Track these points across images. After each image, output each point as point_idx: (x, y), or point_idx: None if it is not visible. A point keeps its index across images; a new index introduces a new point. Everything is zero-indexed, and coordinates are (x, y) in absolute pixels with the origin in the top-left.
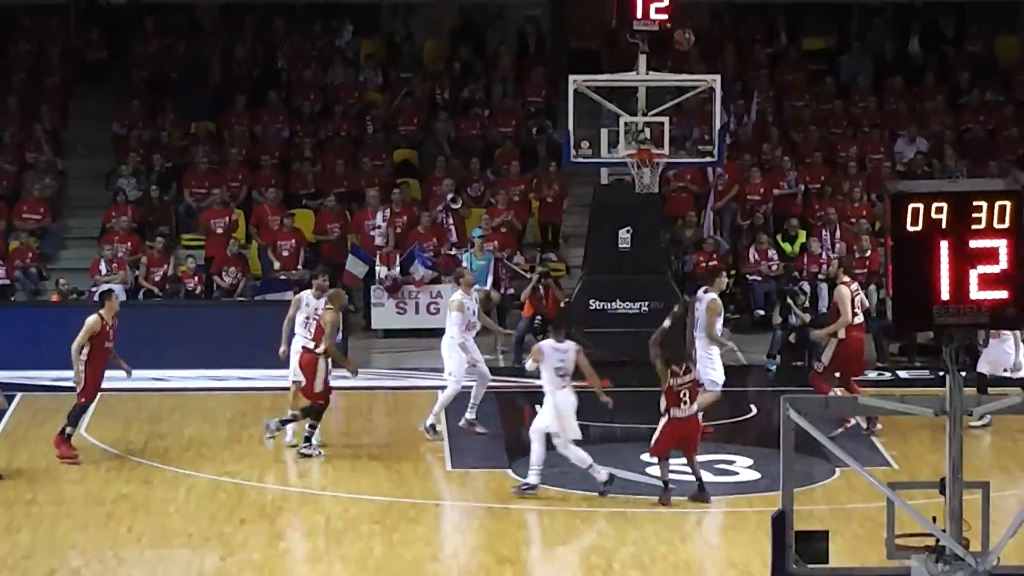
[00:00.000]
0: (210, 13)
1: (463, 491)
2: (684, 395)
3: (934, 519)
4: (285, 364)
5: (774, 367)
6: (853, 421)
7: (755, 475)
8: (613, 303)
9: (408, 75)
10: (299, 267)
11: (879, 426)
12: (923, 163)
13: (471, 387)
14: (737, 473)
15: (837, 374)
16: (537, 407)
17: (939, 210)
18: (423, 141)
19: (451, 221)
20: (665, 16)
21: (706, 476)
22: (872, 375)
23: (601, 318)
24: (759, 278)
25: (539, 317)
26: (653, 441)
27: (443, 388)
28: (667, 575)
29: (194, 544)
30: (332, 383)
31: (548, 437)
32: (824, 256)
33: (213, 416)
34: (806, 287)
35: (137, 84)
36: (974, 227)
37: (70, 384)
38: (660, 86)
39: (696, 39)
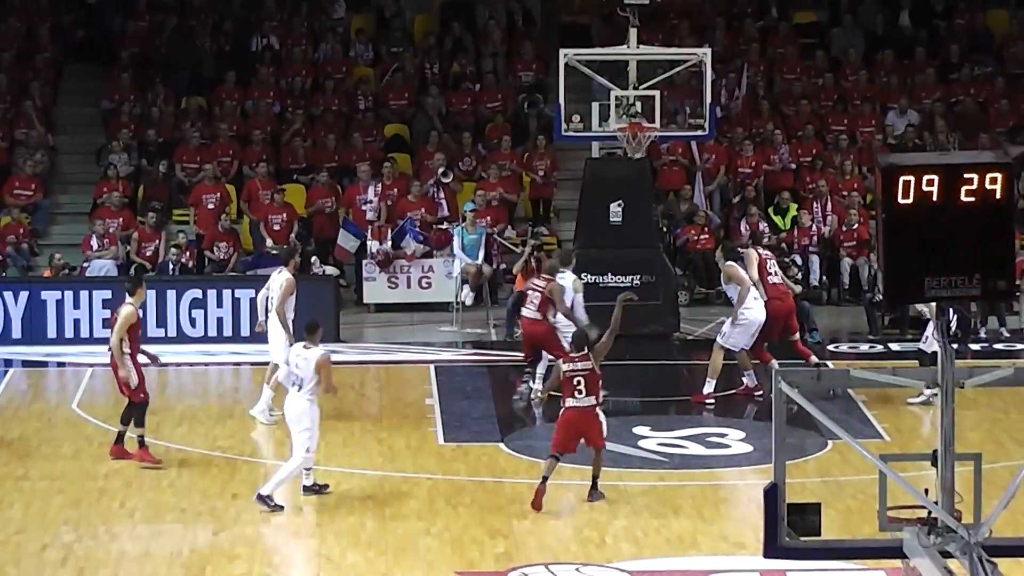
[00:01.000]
0: None
1: (455, 465)
2: (579, 383)
3: (926, 491)
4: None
5: None
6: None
7: (747, 448)
8: (605, 277)
9: (398, 50)
10: (290, 242)
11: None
12: (914, 136)
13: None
14: (729, 446)
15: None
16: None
17: (930, 183)
18: (414, 116)
19: (442, 196)
20: None
21: (699, 449)
22: (864, 347)
23: (593, 291)
24: None
25: None
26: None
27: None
28: (660, 548)
29: (187, 519)
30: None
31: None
32: (815, 228)
33: (205, 391)
34: (798, 259)
35: (127, 60)
36: (965, 199)
37: (62, 359)
38: (651, 60)
39: (688, 13)
